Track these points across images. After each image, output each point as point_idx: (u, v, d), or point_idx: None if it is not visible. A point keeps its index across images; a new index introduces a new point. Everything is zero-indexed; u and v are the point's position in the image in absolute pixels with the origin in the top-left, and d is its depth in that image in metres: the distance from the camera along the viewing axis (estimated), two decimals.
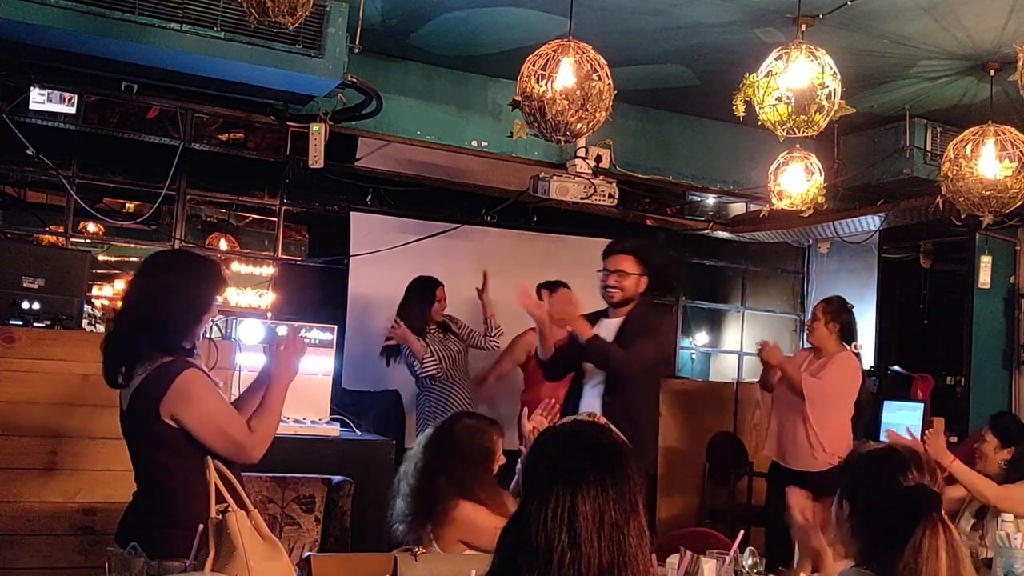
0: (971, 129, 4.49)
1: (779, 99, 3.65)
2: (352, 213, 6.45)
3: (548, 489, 1.55)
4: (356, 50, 4.46)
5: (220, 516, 2.17)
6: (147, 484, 2.54)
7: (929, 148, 5.73)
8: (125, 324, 2.53)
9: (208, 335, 3.88)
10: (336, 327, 4.76)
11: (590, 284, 6.96)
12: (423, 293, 5.41)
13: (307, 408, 4.31)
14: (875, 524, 1.97)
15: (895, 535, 1.89)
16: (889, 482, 1.96)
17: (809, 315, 5.33)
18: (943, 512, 1.90)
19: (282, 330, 2.95)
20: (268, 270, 7.32)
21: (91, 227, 7.39)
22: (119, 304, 2.68)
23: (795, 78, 3.66)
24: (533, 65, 3.66)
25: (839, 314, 4.89)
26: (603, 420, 2.38)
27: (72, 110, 4.95)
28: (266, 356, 2.71)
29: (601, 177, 5.54)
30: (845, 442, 4.63)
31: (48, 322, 4.11)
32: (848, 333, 4.89)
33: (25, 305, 4.08)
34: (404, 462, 2.93)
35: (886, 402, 5.91)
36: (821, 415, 4.65)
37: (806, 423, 4.67)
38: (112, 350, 2.51)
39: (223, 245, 7.50)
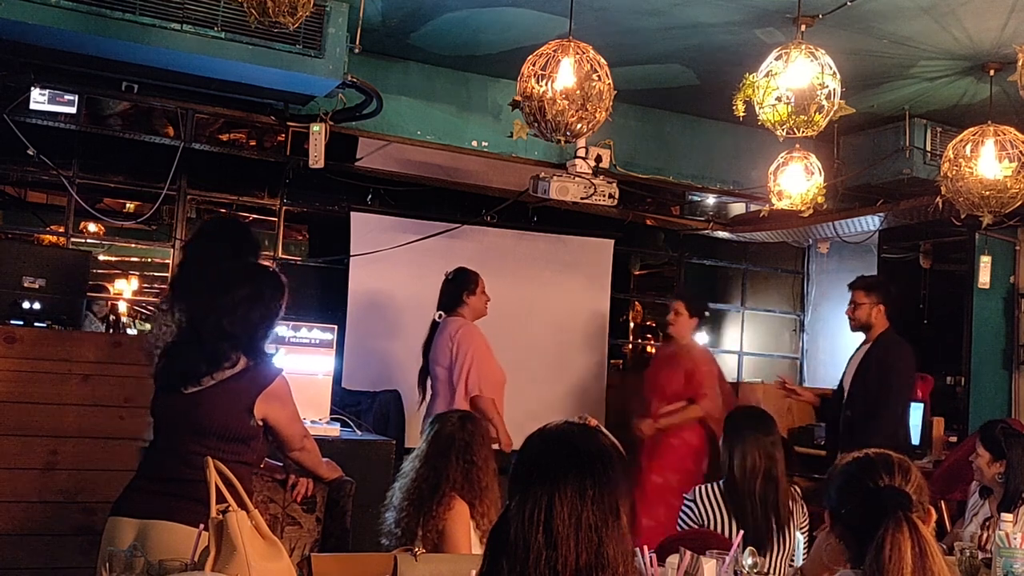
0: (971, 129, 4.49)
1: (779, 99, 3.65)
2: (352, 213, 6.44)
3: (528, 489, 1.57)
4: (356, 50, 4.46)
5: (220, 516, 2.18)
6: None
7: (929, 148, 5.73)
8: (211, 332, 2.73)
9: None
10: (336, 327, 4.77)
11: (590, 284, 7.08)
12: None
13: (307, 408, 4.30)
14: (851, 530, 2.00)
15: (866, 537, 1.90)
16: (859, 487, 1.99)
17: (806, 315, 5.38)
18: (911, 511, 1.90)
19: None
20: None
21: (91, 227, 7.38)
22: (196, 311, 2.88)
23: (795, 78, 3.66)
24: (533, 65, 3.66)
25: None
26: (594, 422, 2.38)
27: (72, 110, 4.95)
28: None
29: (601, 177, 5.53)
30: None
31: (48, 322, 4.12)
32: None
33: (26, 305, 4.09)
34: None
35: None
36: None
37: None
38: (193, 355, 2.74)
39: None
